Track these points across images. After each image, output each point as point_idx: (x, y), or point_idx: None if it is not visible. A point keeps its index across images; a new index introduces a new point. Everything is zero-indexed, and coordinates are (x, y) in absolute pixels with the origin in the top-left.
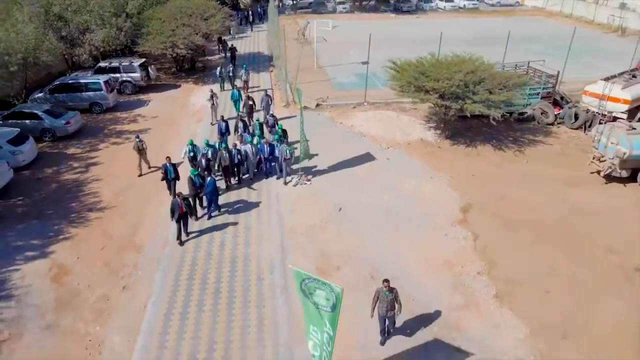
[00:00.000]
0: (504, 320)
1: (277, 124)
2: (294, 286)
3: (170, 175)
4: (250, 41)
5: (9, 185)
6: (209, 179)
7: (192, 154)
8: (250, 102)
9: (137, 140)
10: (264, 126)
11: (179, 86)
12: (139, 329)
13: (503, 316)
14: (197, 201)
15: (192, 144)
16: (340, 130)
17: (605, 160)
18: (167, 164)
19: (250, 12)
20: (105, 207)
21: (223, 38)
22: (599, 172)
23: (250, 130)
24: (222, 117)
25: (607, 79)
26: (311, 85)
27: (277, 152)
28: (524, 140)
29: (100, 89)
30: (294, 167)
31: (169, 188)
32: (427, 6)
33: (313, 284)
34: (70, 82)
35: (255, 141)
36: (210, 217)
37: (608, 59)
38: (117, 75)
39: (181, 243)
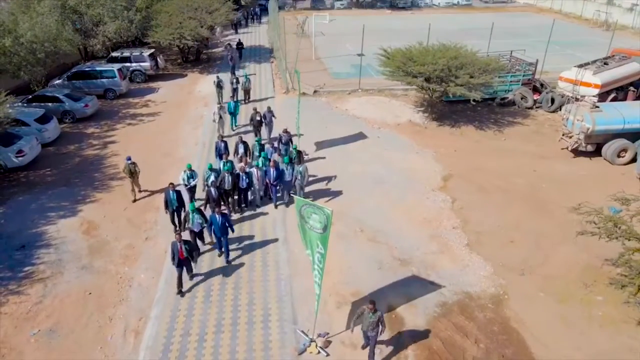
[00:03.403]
0: (472, 262)
1: (292, 141)
2: (292, 238)
3: (172, 204)
4: (248, 37)
5: (37, 158)
6: (218, 216)
7: (191, 180)
8: (258, 118)
9: (128, 162)
10: (278, 144)
11: (186, 75)
12: (161, 269)
13: (472, 259)
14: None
15: (190, 168)
16: (335, 113)
17: (572, 136)
18: (170, 191)
19: (251, 10)
20: (125, 177)
21: (241, 41)
22: (568, 148)
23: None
24: (221, 136)
25: (580, 66)
26: (309, 75)
27: (287, 176)
28: (503, 122)
29: (114, 77)
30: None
31: (173, 221)
32: (423, 2)
33: (309, 209)
34: (86, 69)
35: (260, 163)
36: (228, 260)
37: (591, 50)
38: (128, 64)
39: (181, 293)
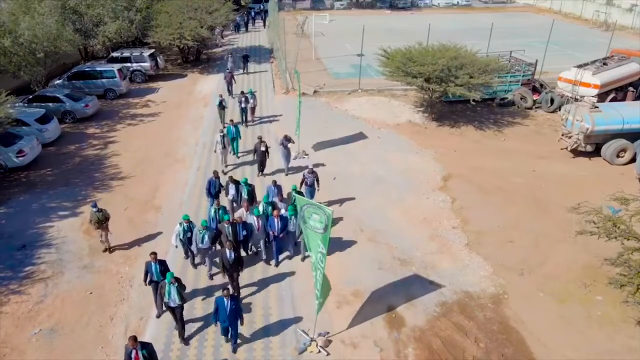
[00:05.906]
0: (471, 262)
1: (318, 181)
2: None
3: (155, 276)
4: (244, 39)
5: (38, 158)
6: (226, 300)
7: (189, 234)
8: (263, 149)
9: (93, 210)
10: (301, 185)
11: (186, 75)
12: None
13: (471, 259)
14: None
15: (187, 219)
16: (335, 113)
17: (572, 136)
18: (152, 262)
19: (250, 13)
20: (126, 177)
21: (246, 55)
22: (567, 148)
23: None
24: (216, 172)
25: (579, 66)
26: (309, 75)
27: (291, 227)
28: (503, 122)
29: (115, 77)
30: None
31: (156, 300)
32: (422, 3)
33: (310, 209)
34: (87, 70)
35: (261, 210)
36: (234, 347)
37: (590, 51)
38: (129, 64)
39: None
